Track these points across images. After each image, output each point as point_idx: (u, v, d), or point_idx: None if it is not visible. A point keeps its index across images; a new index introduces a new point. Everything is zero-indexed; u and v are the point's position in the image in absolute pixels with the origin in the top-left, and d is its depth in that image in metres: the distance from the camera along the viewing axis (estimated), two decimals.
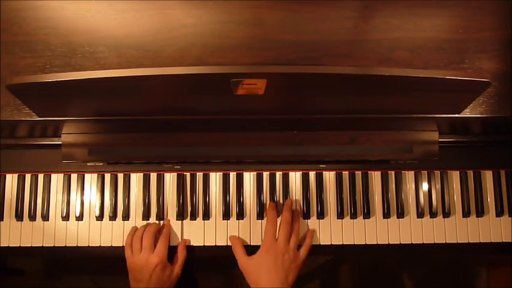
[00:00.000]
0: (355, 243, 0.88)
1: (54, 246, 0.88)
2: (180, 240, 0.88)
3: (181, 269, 0.86)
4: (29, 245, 0.88)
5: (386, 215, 0.89)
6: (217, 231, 0.88)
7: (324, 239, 0.88)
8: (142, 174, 0.90)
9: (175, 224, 0.89)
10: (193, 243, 0.88)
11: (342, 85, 0.62)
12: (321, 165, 0.89)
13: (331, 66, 0.68)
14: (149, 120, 0.72)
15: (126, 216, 0.89)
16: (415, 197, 0.90)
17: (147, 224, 0.88)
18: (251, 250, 0.88)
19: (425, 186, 0.90)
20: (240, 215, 0.88)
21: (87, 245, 0.88)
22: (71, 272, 1.45)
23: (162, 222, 0.89)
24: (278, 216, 0.86)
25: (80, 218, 0.89)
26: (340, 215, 0.88)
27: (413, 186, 0.90)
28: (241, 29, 0.71)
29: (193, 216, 0.88)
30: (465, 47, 0.71)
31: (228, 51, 0.71)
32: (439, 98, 0.65)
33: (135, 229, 0.87)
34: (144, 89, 0.62)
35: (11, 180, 0.91)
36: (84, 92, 0.62)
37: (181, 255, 0.86)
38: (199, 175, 0.90)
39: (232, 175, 0.90)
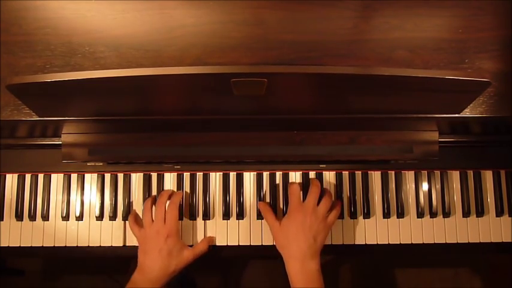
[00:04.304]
0: (355, 243, 0.88)
1: (54, 246, 0.88)
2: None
3: (194, 258, 0.83)
4: (29, 245, 0.88)
5: (386, 215, 0.89)
6: (217, 232, 0.88)
7: None
8: (142, 174, 0.90)
9: None
10: (193, 243, 0.88)
11: (341, 85, 0.61)
12: (321, 165, 0.89)
13: (331, 66, 0.68)
14: (149, 120, 0.72)
15: (126, 216, 0.89)
16: (415, 197, 0.90)
17: (160, 194, 0.87)
18: (250, 250, 0.88)
19: (425, 186, 0.90)
20: (240, 215, 0.88)
21: (87, 245, 0.89)
22: (71, 272, 1.45)
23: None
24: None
25: (80, 218, 0.89)
26: (340, 215, 0.88)
27: (413, 186, 0.90)
28: (241, 29, 0.71)
29: (193, 216, 0.88)
30: (465, 47, 0.71)
31: (228, 51, 0.70)
32: (439, 98, 0.65)
33: (153, 196, 0.88)
34: (144, 89, 0.62)
35: (11, 180, 0.91)
36: (84, 92, 0.62)
37: (200, 246, 0.85)
38: (199, 175, 0.90)
39: (232, 175, 0.90)
